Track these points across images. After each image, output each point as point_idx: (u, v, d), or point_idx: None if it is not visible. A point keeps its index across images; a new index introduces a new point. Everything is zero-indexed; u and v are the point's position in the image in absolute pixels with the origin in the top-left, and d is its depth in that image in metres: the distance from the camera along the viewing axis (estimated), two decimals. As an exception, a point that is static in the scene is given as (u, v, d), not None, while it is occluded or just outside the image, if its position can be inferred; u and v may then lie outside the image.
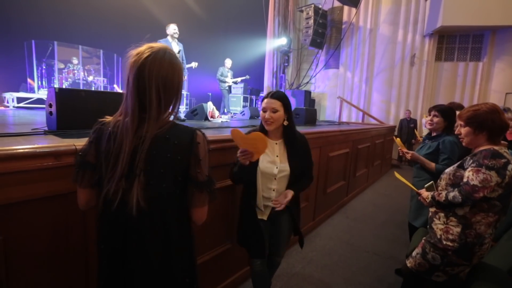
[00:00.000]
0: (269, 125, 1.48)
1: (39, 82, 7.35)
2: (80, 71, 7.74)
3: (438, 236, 1.49)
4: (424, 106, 7.87)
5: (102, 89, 8.11)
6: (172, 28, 4.30)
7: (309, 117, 4.62)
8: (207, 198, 0.93)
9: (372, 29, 8.40)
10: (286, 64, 9.32)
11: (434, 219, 1.55)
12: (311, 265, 2.51)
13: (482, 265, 1.47)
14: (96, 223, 0.95)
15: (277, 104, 1.46)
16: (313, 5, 8.15)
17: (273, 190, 1.54)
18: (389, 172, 6.76)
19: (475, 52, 7.57)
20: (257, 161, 1.45)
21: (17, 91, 6.71)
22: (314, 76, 9.27)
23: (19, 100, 6.20)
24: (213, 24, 10.04)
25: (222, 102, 7.66)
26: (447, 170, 1.58)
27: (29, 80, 7.36)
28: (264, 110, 1.49)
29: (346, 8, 8.58)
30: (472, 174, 1.35)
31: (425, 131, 6.16)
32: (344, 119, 8.65)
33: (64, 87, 7.03)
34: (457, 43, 7.72)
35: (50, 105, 1.87)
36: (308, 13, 8.21)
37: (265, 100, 1.49)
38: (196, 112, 4.52)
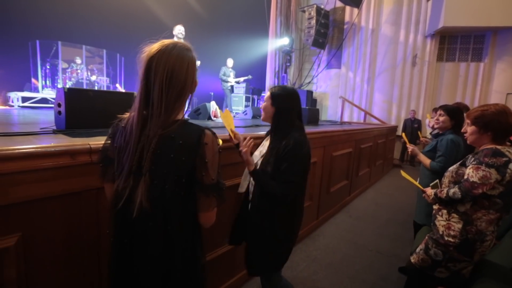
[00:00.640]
0: (262, 114, 1.48)
1: (43, 82, 7.40)
2: (84, 70, 7.78)
3: (440, 232, 1.52)
4: (426, 106, 7.88)
5: (105, 89, 8.15)
6: (178, 29, 4.36)
7: (311, 117, 4.65)
8: (214, 203, 0.89)
9: (374, 29, 8.42)
10: (288, 64, 9.34)
11: (437, 216, 1.60)
12: (315, 263, 2.53)
13: (486, 263, 1.49)
14: (109, 215, 0.97)
15: (267, 95, 1.46)
16: (315, 5, 8.17)
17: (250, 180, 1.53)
18: (390, 172, 6.78)
19: (476, 52, 7.58)
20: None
21: (22, 90, 6.75)
22: (316, 76, 9.29)
23: (24, 99, 6.25)
24: (215, 24, 10.06)
25: (224, 102, 7.68)
26: (451, 168, 1.62)
27: (33, 80, 7.40)
28: None
29: (348, 8, 8.60)
30: (472, 171, 1.39)
31: (428, 131, 6.18)
32: (346, 119, 8.67)
33: (67, 87, 7.07)
34: (458, 43, 7.73)
35: (59, 105, 1.89)
36: (310, 13, 8.23)
37: None
38: (199, 112, 4.55)
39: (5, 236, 0.97)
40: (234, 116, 6.41)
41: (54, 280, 1.12)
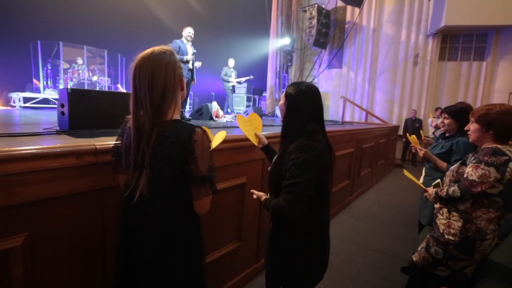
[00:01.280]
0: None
1: (45, 82, 7.43)
2: (85, 71, 7.81)
3: (441, 231, 1.54)
4: (428, 106, 7.87)
5: (106, 89, 8.17)
6: (187, 31, 4.40)
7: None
8: (204, 192, 0.99)
9: (376, 28, 8.41)
10: (289, 64, 9.34)
11: (438, 214, 1.61)
12: (317, 263, 2.53)
13: (489, 262, 1.49)
14: (118, 210, 1.08)
15: (284, 93, 1.27)
16: (316, 5, 8.16)
17: None
18: (392, 172, 6.77)
19: (478, 51, 7.56)
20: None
21: (23, 91, 6.78)
22: (317, 76, 9.28)
23: (25, 100, 6.28)
24: (217, 24, 10.07)
25: (226, 102, 7.69)
26: (452, 167, 1.63)
27: (34, 81, 7.44)
28: None
29: (349, 8, 8.59)
30: (472, 170, 1.40)
31: (430, 131, 6.17)
32: (347, 118, 8.67)
33: (70, 87, 7.09)
34: (460, 42, 7.71)
35: (62, 105, 1.90)
36: (311, 13, 8.23)
37: None
38: (201, 112, 4.57)
39: (12, 236, 0.98)
40: (235, 116, 6.42)
41: (59, 279, 1.13)
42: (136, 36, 7.85)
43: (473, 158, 1.45)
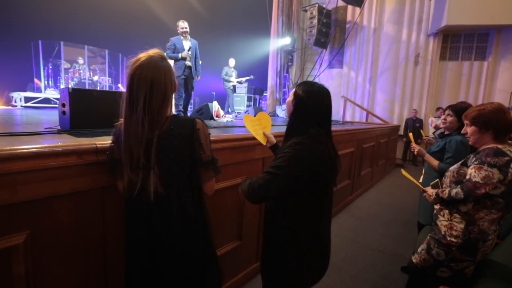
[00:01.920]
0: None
1: (46, 82, 7.45)
2: (86, 70, 7.83)
3: (443, 233, 1.52)
4: (429, 105, 7.85)
5: (107, 89, 8.19)
6: (180, 27, 4.29)
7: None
8: (212, 174, 1.11)
9: (376, 28, 8.40)
10: (290, 63, 9.33)
11: (439, 216, 1.59)
12: (317, 262, 2.54)
13: (489, 262, 1.50)
14: (122, 211, 1.13)
15: (293, 91, 1.24)
16: (317, 5, 8.15)
17: None
18: (393, 172, 6.77)
19: (480, 51, 7.54)
20: None
21: (24, 90, 6.80)
22: (318, 75, 9.27)
23: (27, 99, 6.29)
24: (217, 23, 10.08)
25: (226, 102, 7.70)
26: (452, 168, 1.61)
27: (35, 80, 7.46)
28: None
29: (350, 7, 8.58)
30: (475, 171, 1.38)
31: (431, 130, 6.17)
32: (348, 118, 8.66)
33: (71, 87, 7.12)
34: (461, 42, 7.70)
35: (63, 105, 1.91)
36: (312, 13, 8.22)
37: None
38: (202, 112, 4.57)
39: (14, 234, 0.99)
40: (235, 116, 6.42)
41: (61, 277, 1.14)
42: (137, 36, 7.87)
43: (474, 159, 1.44)
